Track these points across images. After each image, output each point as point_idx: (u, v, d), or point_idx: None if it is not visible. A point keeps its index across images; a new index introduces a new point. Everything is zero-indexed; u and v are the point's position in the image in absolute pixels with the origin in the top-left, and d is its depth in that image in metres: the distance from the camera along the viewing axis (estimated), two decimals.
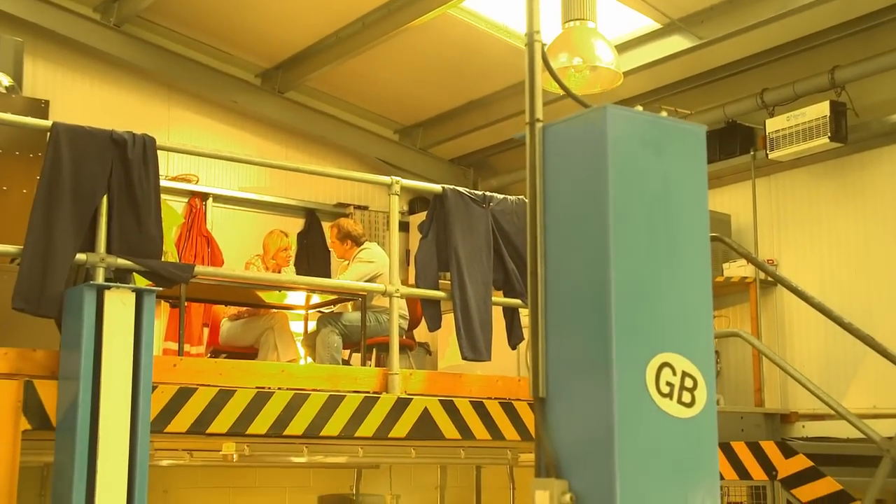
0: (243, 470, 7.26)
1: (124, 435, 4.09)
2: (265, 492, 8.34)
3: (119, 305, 4.16)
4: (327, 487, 8.28)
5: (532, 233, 2.70)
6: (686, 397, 2.68)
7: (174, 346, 8.48)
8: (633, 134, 2.80)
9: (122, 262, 4.56)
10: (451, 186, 5.74)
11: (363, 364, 6.67)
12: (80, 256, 4.47)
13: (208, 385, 4.69)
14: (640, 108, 2.82)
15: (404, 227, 10.25)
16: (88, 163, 4.52)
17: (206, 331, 8.50)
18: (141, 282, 4.78)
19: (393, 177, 5.54)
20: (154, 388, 4.32)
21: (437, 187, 5.70)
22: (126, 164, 4.60)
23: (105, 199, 4.56)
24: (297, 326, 7.77)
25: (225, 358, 7.31)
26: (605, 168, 2.70)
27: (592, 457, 2.57)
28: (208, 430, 4.61)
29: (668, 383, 2.66)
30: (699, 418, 2.68)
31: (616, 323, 2.61)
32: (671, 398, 2.66)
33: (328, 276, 9.67)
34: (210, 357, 7.42)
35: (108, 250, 4.55)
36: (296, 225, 9.94)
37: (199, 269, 5.00)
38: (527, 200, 2.90)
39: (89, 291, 4.13)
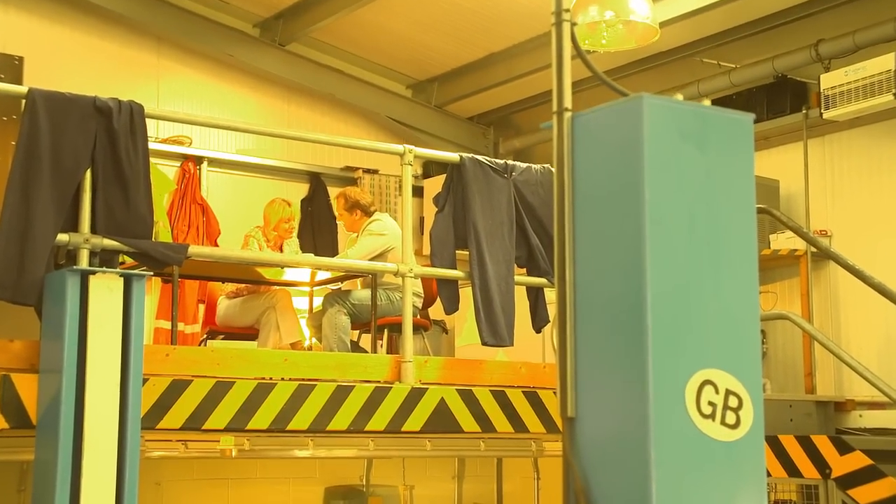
0: (243, 460, 7.31)
1: (112, 433, 4.09)
2: (267, 483, 8.41)
3: (105, 291, 4.14)
4: (335, 478, 8.34)
5: (560, 234, 2.67)
6: (730, 418, 2.65)
7: (167, 324, 8.51)
8: (672, 126, 2.74)
9: (108, 242, 4.54)
10: (470, 155, 5.71)
11: (373, 346, 6.67)
12: (62, 237, 4.45)
13: (204, 376, 4.69)
14: (679, 96, 2.75)
15: (418, 191, 10.22)
16: (70, 133, 4.48)
17: (201, 308, 8.52)
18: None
19: (406, 145, 5.51)
20: (145, 380, 4.31)
21: (455, 156, 5.66)
22: (112, 134, 4.57)
23: (89, 173, 4.53)
24: (301, 302, 7.76)
25: (223, 339, 7.34)
26: (640, 163, 2.65)
27: (626, 485, 2.53)
28: (204, 426, 4.64)
29: (710, 403, 2.63)
30: (745, 441, 2.65)
31: (652, 336, 2.57)
32: (713, 419, 2.62)
33: (335, 246, 9.67)
34: (207, 338, 7.44)
35: (93, 230, 4.53)
36: (299, 191, 9.94)
37: (193, 249, 4.98)
38: (553, 169, 2.85)
39: (72, 276, 4.11)
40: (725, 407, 2.65)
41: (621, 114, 2.73)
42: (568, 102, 2.71)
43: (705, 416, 2.62)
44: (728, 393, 2.66)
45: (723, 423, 2.64)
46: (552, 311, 6.20)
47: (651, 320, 2.59)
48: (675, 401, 2.60)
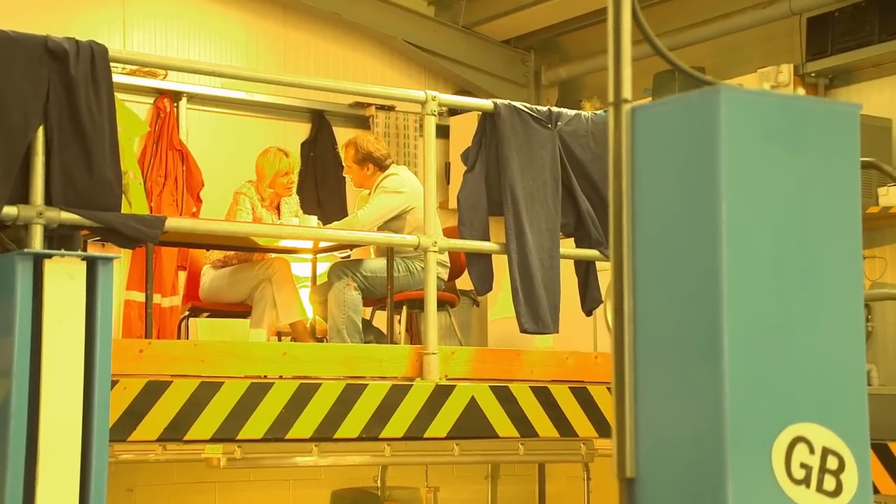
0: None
1: (74, 448, 4.12)
2: (262, 487, 8.50)
3: (64, 279, 4.15)
4: (343, 480, 8.42)
5: (617, 253, 2.62)
6: (829, 484, 2.62)
7: (140, 296, 8.54)
8: (757, 124, 2.68)
9: (67, 216, 4.55)
10: (506, 102, 5.68)
11: (390, 327, 6.67)
12: (10, 210, 4.45)
13: (186, 376, 4.74)
14: (766, 85, 2.68)
15: (443, 131, 10.16)
16: (16, 82, 4.47)
17: (182, 275, 8.55)
18: None
19: (428, 91, 5.49)
20: (114, 383, 4.35)
21: (488, 103, 5.64)
22: (68, 82, 4.56)
23: (41, 131, 4.53)
24: (301, 268, 7.75)
25: (207, 317, 7.36)
26: (716, 171, 2.60)
27: None
28: (187, 437, 4.70)
29: (804, 465, 2.60)
30: None
31: (730, 382, 2.53)
32: (808, 486, 2.60)
33: (343, 200, 9.66)
34: (188, 316, 7.47)
35: (48, 201, 4.53)
36: (299, 132, 9.89)
37: (171, 222, 5.02)
38: (608, 114, 2.80)
39: (23, 261, 4.11)
40: (823, 470, 2.63)
41: (693, 109, 2.68)
42: (627, 92, 2.64)
43: (797, 482, 2.60)
44: (826, 452, 2.64)
45: (819, 489, 2.61)
46: (605, 282, 6.21)
47: (729, 363, 2.56)
48: (760, 463, 2.57)
